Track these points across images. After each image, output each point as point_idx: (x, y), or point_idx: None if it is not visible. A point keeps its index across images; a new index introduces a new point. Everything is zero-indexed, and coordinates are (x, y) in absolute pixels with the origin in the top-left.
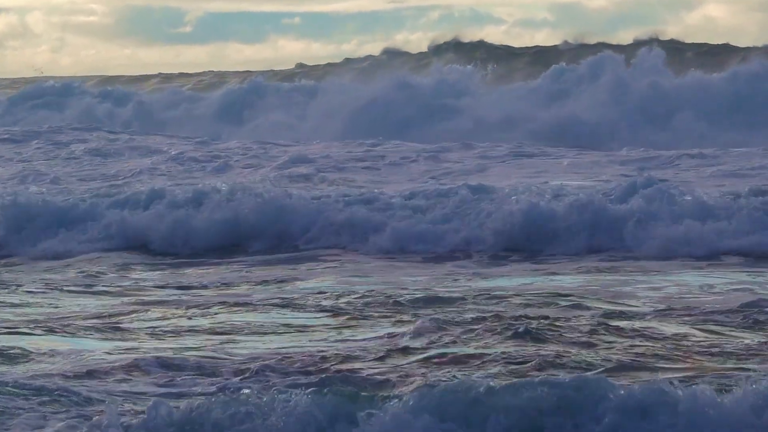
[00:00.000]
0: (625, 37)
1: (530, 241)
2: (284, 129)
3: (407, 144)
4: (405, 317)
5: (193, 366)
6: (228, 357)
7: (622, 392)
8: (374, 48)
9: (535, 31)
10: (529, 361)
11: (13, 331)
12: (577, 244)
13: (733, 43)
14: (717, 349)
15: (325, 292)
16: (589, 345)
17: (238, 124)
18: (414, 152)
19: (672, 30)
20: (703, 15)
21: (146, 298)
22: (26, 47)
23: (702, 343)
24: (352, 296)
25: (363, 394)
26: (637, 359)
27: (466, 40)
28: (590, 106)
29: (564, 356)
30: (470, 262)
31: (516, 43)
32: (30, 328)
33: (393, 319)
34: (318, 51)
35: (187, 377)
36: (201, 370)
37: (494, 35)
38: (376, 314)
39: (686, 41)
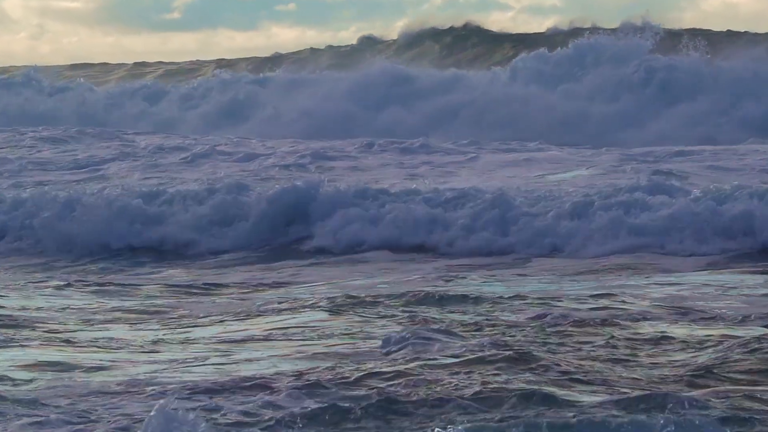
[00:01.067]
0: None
1: (525, 241)
2: (227, 125)
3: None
4: (401, 319)
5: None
6: (229, 371)
7: None
8: (376, 35)
9: (543, 18)
10: (544, 372)
11: None
12: (578, 245)
13: (750, 30)
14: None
15: (322, 294)
16: (608, 353)
17: (180, 120)
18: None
19: (689, 17)
20: (722, 1)
21: (131, 305)
22: (3, 34)
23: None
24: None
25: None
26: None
27: (445, 26)
28: (557, 97)
29: (587, 371)
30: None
31: (521, 31)
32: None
33: (389, 321)
34: (314, 39)
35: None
36: (198, 387)
37: (500, 22)
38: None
39: (684, 27)
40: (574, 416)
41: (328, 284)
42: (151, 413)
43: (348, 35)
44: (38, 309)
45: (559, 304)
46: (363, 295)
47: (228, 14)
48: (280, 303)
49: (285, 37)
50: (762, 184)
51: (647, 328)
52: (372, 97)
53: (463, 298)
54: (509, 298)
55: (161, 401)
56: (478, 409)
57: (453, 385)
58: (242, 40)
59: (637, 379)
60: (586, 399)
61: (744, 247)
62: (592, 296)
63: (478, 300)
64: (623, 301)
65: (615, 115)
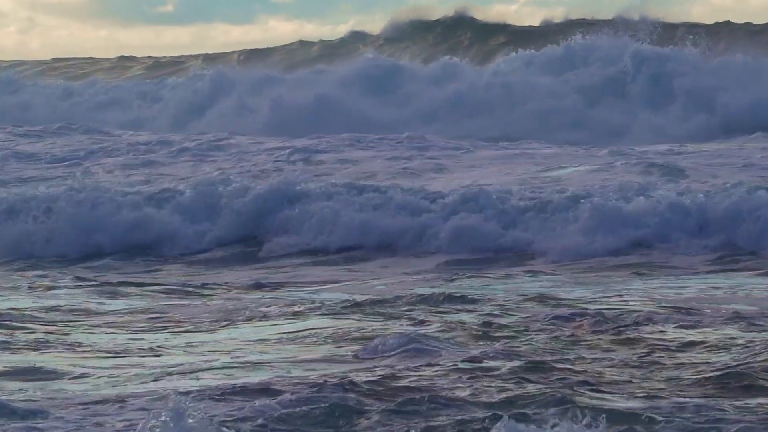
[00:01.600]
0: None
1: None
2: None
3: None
4: (404, 321)
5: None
6: (234, 375)
7: None
8: (372, 29)
9: (547, 11)
10: (555, 378)
11: None
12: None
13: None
14: None
15: (322, 296)
16: (624, 357)
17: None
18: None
19: (697, 11)
20: None
21: (127, 306)
22: None
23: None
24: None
25: None
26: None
27: (434, 17)
28: (552, 94)
29: (603, 376)
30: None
31: (519, 23)
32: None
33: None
34: (312, 32)
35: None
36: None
37: (502, 14)
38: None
39: (681, 21)
40: (587, 422)
41: (327, 285)
42: (164, 409)
43: (346, 29)
44: (30, 309)
45: (563, 305)
46: (363, 296)
47: (223, 8)
48: (279, 305)
49: (282, 30)
50: (763, 179)
51: (660, 332)
52: (355, 90)
53: (466, 299)
54: (511, 299)
55: (174, 396)
56: (484, 414)
57: (459, 388)
58: (238, 34)
59: (655, 384)
60: (599, 404)
61: (746, 245)
62: (597, 298)
63: (480, 301)
64: (629, 303)
65: (611, 113)
